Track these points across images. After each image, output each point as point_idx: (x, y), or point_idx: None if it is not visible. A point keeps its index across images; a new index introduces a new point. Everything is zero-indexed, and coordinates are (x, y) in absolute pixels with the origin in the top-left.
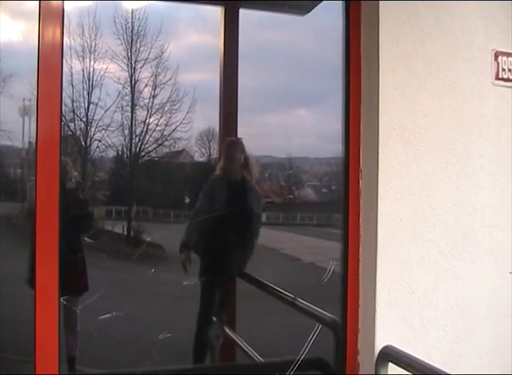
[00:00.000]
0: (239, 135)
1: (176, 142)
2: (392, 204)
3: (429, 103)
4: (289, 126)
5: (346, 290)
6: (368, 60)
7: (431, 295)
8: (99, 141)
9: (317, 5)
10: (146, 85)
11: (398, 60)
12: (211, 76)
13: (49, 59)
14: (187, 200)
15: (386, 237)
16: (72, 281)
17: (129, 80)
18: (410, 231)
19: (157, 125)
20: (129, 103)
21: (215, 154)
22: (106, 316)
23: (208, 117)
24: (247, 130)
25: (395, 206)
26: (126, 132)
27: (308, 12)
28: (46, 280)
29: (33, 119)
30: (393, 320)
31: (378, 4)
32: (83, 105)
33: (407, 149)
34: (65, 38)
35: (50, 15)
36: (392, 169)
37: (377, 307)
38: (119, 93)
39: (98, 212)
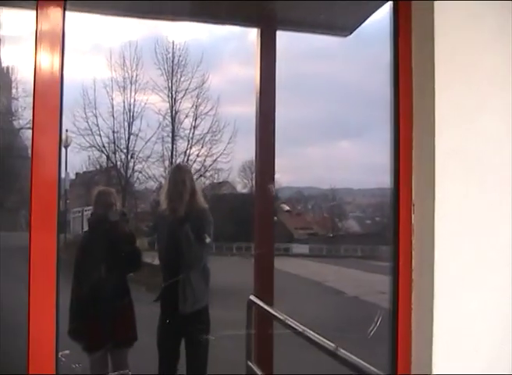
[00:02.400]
0: (280, 167)
1: (217, 173)
2: (451, 243)
3: (494, 125)
4: (332, 157)
5: (395, 345)
6: (420, 75)
7: (497, 355)
8: (140, 172)
9: (361, 24)
10: (186, 116)
11: (456, 74)
12: (251, 108)
13: (46, 87)
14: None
15: (444, 283)
16: (120, 330)
17: (169, 110)
18: (472, 277)
19: (197, 156)
20: (170, 133)
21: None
22: None
23: (250, 148)
24: (289, 162)
25: (455, 246)
26: (167, 163)
27: (351, 32)
28: (42, 274)
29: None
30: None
31: (432, 4)
32: (123, 136)
33: (468, 178)
34: (107, 70)
35: (48, 37)
36: (451, 202)
37: (433, 369)
38: (160, 124)
39: (141, 244)
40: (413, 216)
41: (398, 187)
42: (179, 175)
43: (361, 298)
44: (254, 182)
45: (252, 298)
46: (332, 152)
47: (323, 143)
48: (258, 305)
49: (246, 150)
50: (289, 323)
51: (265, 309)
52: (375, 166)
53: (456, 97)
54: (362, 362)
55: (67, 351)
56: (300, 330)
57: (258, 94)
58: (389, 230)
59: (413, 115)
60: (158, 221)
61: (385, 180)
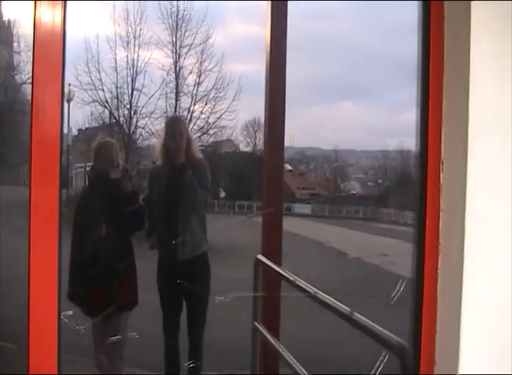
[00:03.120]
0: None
1: (220, 131)
2: (484, 205)
3: None
4: (335, 118)
5: (420, 313)
6: (453, 20)
7: None
8: (142, 128)
9: None
10: (190, 72)
11: (493, 21)
12: (257, 65)
13: (47, 40)
14: (222, 194)
15: (475, 248)
16: (121, 293)
17: (173, 66)
18: (507, 242)
19: (201, 112)
20: (173, 90)
21: (260, 144)
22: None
23: (254, 107)
24: (291, 122)
25: (488, 208)
26: None
27: None
28: (43, 263)
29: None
30: (482, 353)
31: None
32: (126, 91)
33: (504, 134)
34: (110, 24)
35: None
36: (485, 160)
37: (461, 336)
38: (163, 80)
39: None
40: (442, 174)
41: (426, 142)
42: (176, 126)
43: (364, 260)
44: (256, 141)
45: (259, 257)
46: (336, 113)
47: (327, 103)
48: (266, 264)
49: (249, 108)
50: (299, 284)
51: (274, 269)
52: (379, 128)
53: (493, 44)
54: (379, 328)
55: (70, 312)
56: (312, 292)
57: (268, 52)
58: (391, 192)
59: (444, 64)
60: (154, 174)
61: (388, 142)
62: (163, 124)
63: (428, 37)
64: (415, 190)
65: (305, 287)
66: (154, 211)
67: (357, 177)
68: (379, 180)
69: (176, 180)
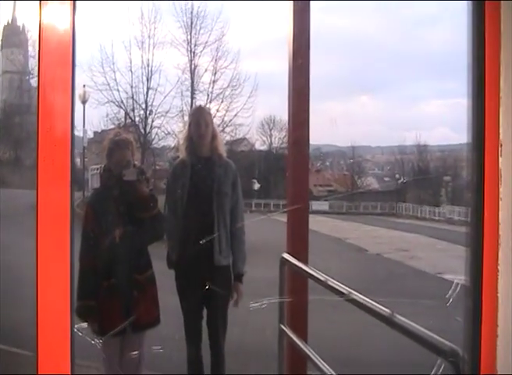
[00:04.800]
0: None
1: (236, 129)
2: None
3: None
4: (351, 113)
5: (478, 314)
6: None
7: None
8: (158, 128)
9: None
10: (206, 70)
11: None
12: (273, 62)
13: (55, 40)
14: (256, 185)
15: None
16: (139, 309)
17: (188, 64)
18: None
19: (217, 110)
20: (189, 88)
21: (276, 142)
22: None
23: (269, 104)
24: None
25: None
26: (186, 118)
27: None
28: (53, 269)
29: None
30: None
31: None
32: (141, 90)
33: None
34: (125, 24)
35: None
36: None
37: None
38: (179, 78)
39: (160, 202)
40: (500, 158)
41: (483, 123)
42: (201, 116)
43: (384, 256)
44: (272, 139)
45: (285, 256)
46: (352, 108)
47: (342, 99)
48: (292, 263)
49: (265, 105)
50: (331, 284)
51: (302, 269)
52: (395, 122)
53: None
54: (427, 332)
55: (84, 324)
56: (346, 292)
57: (291, 51)
58: (408, 187)
59: (501, 41)
60: (177, 169)
61: (404, 136)
62: (179, 123)
63: (482, 34)
64: (437, 183)
65: (337, 287)
66: (178, 212)
67: (373, 173)
68: (396, 175)
69: (203, 174)
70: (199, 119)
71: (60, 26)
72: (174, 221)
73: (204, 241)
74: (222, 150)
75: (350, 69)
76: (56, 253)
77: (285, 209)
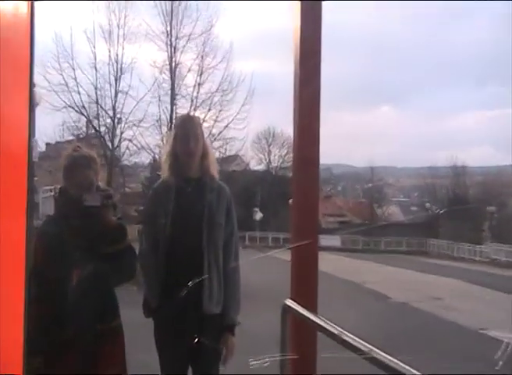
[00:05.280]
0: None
1: (227, 143)
2: None
3: None
4: (370, 126)
5: None
6: None
7: None
8: (130, 140)
9: None
10: (189, 70)
11: None
12: (273, 61)
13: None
14: (258, 215)
15: None
16: (102, 368)
17: (167, 62)
18: None
19: (203, 120)
20: (169, 91)
21: (276, 161)
22: None
23: (268, 113)
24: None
25: None
26: (164, 129)
27: None
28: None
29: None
30: None
31: None
32: (108, 93)
33: None
34: (87, 9)
35: None
36: None
37: None
38: (156, 79)
39: (131, 233)
40: None
41: None
42: (190, 127)
43: (412, 305)
44: (271, 157)
45: (289, 302)
46: (371, 120)
47: (360, 109)
48: (297, 311)
49: (264, 115)
50: (346, 338)
51: (309, 318)
52: (423, 138)
53: None
54: None
55: None
56: (365, 349)
57: (298, 54)
58: (441, 219)
59: None
60: (159, 193)
61: (436, 155)
62: (156, 136)
63: None
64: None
65: (354, 343)
66: (158, 246)
67: (397, 201)
68: (426, 204)
69: (191, 200)
70: (188, 131)
71: (16, 12)
72: (153, 258)
73: (191, 283)
74: (215, 170)
75: (370, 73)
76: (8, 300)
77: (288, 246)
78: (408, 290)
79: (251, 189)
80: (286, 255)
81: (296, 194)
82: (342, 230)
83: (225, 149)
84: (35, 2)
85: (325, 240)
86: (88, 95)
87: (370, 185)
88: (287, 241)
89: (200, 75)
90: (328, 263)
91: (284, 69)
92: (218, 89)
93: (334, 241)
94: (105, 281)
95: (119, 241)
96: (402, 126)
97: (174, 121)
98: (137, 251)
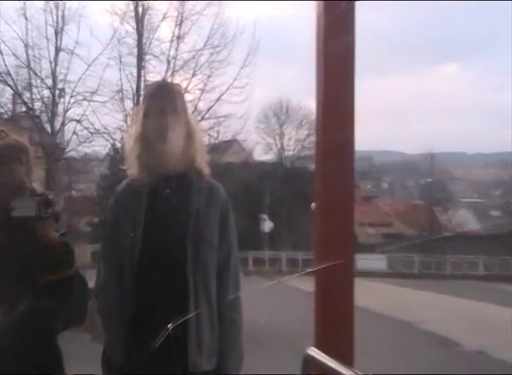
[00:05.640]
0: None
1: (220, 123)
2: None
3: None
4: (426, 94)
5: None
6: None
7: None
8: (77, 121)
9: None
10: (164, 16)
11: None
12: (284, 4)
13: None
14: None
15: None
16: None
17: (131, 5)
18: None
19: (186, 90)
20: (134, 49)
21: (291, 147)
22: None
23: (278, 79)
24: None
25: None
26: (129, 104)
27: None
28: None
29: None
30: None
31: None
32: (45, 53)
33: None
34: None
35: None
36: None
37: None
38: (114, 31)
39: (81, 256)
40: None
41: None
42: (167, 99)
43: (494, 356)
44: (283, 141)
45: (312, 351)
46: (430, 86)
47: (413, 69)
48: (324, 364)
49: (272, 81)
50: None
51: (341, 374)
52: (508, 110)
53: None
54: None
55: None
56: None
57: None
58: None
59: None
60: (122, 198)
61: None
62: (116, 114)
63: None
64: None
65: None
66: (124, 273)
67: (469, 202)
68: None
69: (171, 207)
70: (163, 105)
71: None
72: (116, 291)
73: (171, 326)
74: (204, 162)
75: (426, 20)
76: None
77: (310, 269)
78: (485, 332)
79: (256, 189)
80: (306, 284)
81: (320, 195)
82: (388, 245)
83: (218, 132)
84: None
85: (364, 261)
86: (15, 56)
87: (429, 180)
88: (308, 263)
89: (180, 24)
90: (368, 294)
91: (302, 14)
92: (206, 45)
93: (377, 262)
94: (43, 325)
95: (62, 268)
96: (476, 93)
97: (143, 92)
98: (93, 282)
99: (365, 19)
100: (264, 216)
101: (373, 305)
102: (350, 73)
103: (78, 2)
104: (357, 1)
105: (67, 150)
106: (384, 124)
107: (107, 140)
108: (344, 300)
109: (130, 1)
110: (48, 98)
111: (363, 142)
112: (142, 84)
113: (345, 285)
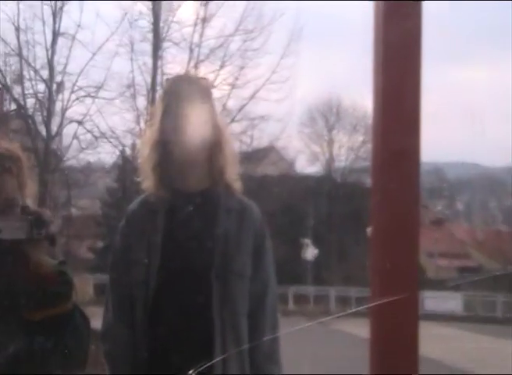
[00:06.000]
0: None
1: (254, 126)
2: None
3: None
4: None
5: None
6: None
7: None
8: (79, 123)
9: None
10: None
11: None
12: None
13: None
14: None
15: None
16: None
17: None
18: None
19: (213, 85)
20: (149, 34)
21: (343, 157)
22: None
23: (326, 73)
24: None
25: None
26: (142, 101)
27: None
28: None
29: None
30: None
31: None
32: (41, 38)
33: None
34: None
35: None
36: None
37: None
38: (126, 10)
39: (81, 288)
40: None
41: None
42: (191, 95)
43: None
44: (333, 148)
45: None
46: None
47: (497, 58)
48: None
49: (319, 76)
50: None
51: None
52: None
53: None
54: None
55: None
56: None
57: None
58: None
59: None
60: (135, 222)
61: None
62: (126, 114)
63: None
64: None
65: None
66: (137, 310)
67: None
68: None
69: (193, 231)
70: (186, 104)
71: None
72: (126, 333)
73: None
74: (234, 174)
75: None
76: None
77: (365, 306)
78: None
79: (299, 208)
80: (360, 328)
81: (378, 217)
82: (465, 281)
83: (252, 137)
84: None
85: (433, 300)
86: (4, 42)
87: None
88: (363, 301)
89: (206, 4)
90: (438, 342)
91: None
92: (237, 29)
93: (450, 302)
94: (36, 369)
95: (58, 301)
96: None
97: (161, 87)
98: (96, 321)
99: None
100: (307, 241)
101: (444, 356)
102: (415, 65)
103: None
104: None
105: (66, 158)
106: (459, 129)
107: (115, 146)
108: (407, 348)
109: None
110: (44, 93)
111: (432, 151)
112: (159, 78)
113: (409, 329)
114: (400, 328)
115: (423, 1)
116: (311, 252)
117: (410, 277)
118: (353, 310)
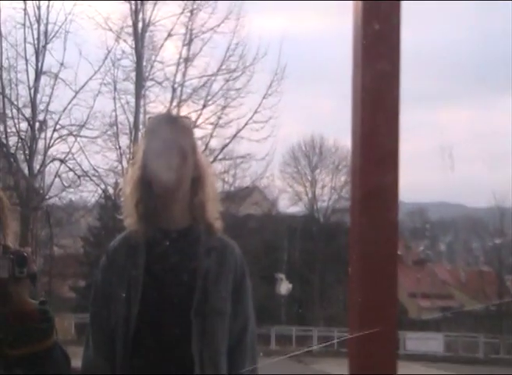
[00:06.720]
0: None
1: (237, 165)
2: None
3: None
4: (492, 129)
5: None
6: None
7: None
8: (61, 161)
9: None
10: (170, 34)
11: None
12: (312, 18)
13: None
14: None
15: None
16: None
17: (130, 18)
18: None
19: (195, 125)
20: (132, 73)
21: (324, 197)
22: None
23: (309, 111)
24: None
25: None
26: (125, 140)
27: None
28: None
29: None
30: None
31: None
32: (24, 76)
33: None
34: None
35: None
36: None
37: None
38: (109, 49)
39: (63, 327)
40: None
41: None
42: (173, 135)
43: None
44: (316, 188)
45: None
46: (497, 121)
47: (478, 98)
48: None
49: (301, 114)
50: None
51: None
52: None
53: None
54: None
55: None
56: None
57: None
58: None
59: None
60: (116, 260)
61: None
62: (109, 153)
63: None
64: None
65: None
66: (116, 348)
67: None
68: None
69: (175, 269)
70: (168, 143)
71: None
72: (107, 369)
73: None
74: (216, 213)
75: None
76: None
77: (321, 345)
78: None
79: (281, 248)
80: (341, 367)
81: (356, 257)
82: (447, 322)
83: (235, 176)
84: None
85: (415, 341)
86: None
87: (497, 241)
88: (345, 341)
89: (189, 43)
90: None
91: (335, 30)
92: (220, 69)
93: (432, 342)
94: None
95: (39, 338)
96: None
97: (144, 126)
98: (77, 360)
99: (414, 38)
100: (281, 276)
101: None
102: (394, 104)
103: (64, 15)
104: (404, 12)
105: (48, 196)
106: (441, 170)
107: (97, 184)
108: None
109: (129, 12)
110: (26, 131)
111: (414, 192)
112: (141, 117)
113: (386, 367)
114: (378, 366)
115: (401, 43)
116: (284, 286)
117: (388, 313)
118: (314, 347)
